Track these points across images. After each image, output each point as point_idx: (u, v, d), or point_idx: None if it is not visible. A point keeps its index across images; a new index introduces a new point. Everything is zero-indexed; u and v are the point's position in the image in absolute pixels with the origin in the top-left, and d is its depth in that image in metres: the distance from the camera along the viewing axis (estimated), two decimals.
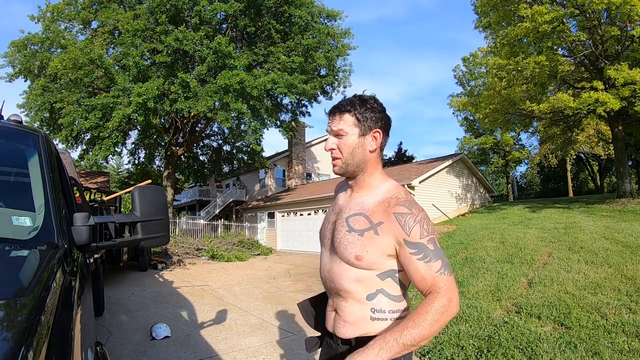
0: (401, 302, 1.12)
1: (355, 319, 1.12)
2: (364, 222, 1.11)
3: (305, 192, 18.06)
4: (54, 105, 13.10)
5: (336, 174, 1.20)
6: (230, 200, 22.54)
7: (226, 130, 17.55)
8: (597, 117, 12.71)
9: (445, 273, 1.03)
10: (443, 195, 14.81)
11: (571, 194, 30.19)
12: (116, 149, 14.28)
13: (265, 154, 19.47)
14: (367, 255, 1.08)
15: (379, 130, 1.14)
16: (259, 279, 8.32)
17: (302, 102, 17.15)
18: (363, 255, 1.08)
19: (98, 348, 1.35)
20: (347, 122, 1.13)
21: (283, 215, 18.11)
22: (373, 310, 1.10)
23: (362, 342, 1.09)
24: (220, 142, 19.48)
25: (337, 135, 1.15)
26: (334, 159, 1.17)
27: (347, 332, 1.13)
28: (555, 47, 12.33)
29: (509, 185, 33.37)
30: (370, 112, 1.13)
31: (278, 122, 15.55)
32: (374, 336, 1.07)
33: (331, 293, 1.20)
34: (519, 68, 12.13)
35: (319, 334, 1.31)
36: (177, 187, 22.39)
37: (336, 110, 1.16)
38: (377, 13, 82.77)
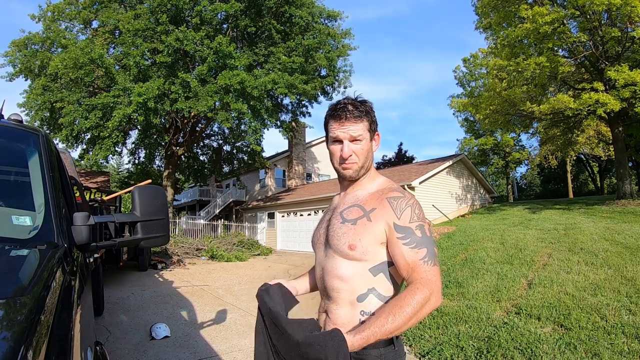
0: None
1: (344, 321, 1.11)
2: (358, 212, 1.13)
3: (305, 193, 18.06)
4: (54, 104, 13.11)
5: (349, 177, 1.20)
6: (230, 200, 22.54)
7: (226, 131, 17.56)
8: (598, 118, 12.71)
9: (429, 262, 1.02)
10: (443, 196, 14.80)
11: (571, 195, 30.18)
12: (116, 148, 14.29)
13: (266, 154, 19.49)
14: (360, 243, 1.08)
15: (378, 133, 1.22)
16: (258, 279, 8.32)
17: (303, 102, 17.16)
18: (356, 243, 1.08)
19: (98, 348, 1.35)
20: (364, 128, 1.16)
21: (283, 216, 18.11)
22: (362, 312, 1.09)
23: None
24: (221, 142, 19.49)
25: (355, 140, 1.15)
26: (350, 163, 1.16)
27: None
28: (555, 48, 12.32)
29: (509, 186, 33.36)
30: (374, 116, 1.19)
31: (278, 123, 15.56)
32: None
33: (323, 294, 1.20)
34: (520, 69, 12.12)
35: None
36: (177, 187, 22.38)
37: (350, 115, 1.14)
38: (379, 12, 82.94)
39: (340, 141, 1.15)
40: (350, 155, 1.15)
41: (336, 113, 1.16)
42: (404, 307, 0.96)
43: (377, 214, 1.09)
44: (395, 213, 1.07)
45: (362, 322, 1.09)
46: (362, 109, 1.16)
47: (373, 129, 1.18)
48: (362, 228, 1.09)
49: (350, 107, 1.15)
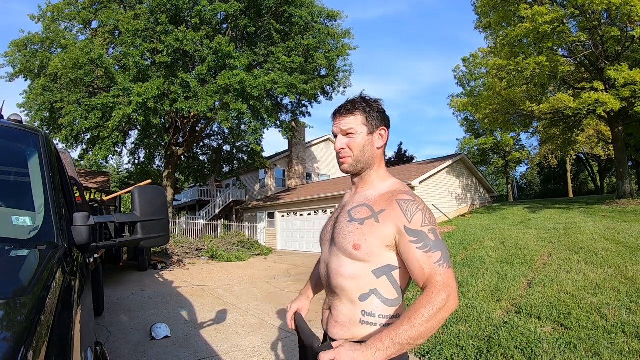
0: (394, 308, 1.09)
1: (345, 319, 1.11)
2: (366, 212, 1.13)
3: (305, 192, 18.07)
4: (54, 105, 13.11)
5: (345, 171, 1.22)
6: (230, 200, 22.54)
7: (226, 130, 17.56)
8: (597, 117, 12.70)
9: (444, 265, 1.01)
10: (443, 195, 14.80)
11: (571, 194, 30.19)
12: (116, 148, 14.29)
13: (265, 154, 19.49)
14: (365, 244, 1.07)
15: (385, 128, 1.20)
16: (258, 279, 8.32)
17: (302, 102, 17.16)
18: (361, 243, 1.08)
19: (98, 348, 1.35)
20: (356, 121, 1.17)
21: (283, 216, 18.11)
22: (363, 312, 1.08)
23: None
24: (220, 142, 19.50)
25: (347, 134, 1.18)
26: (343, 157, 1.19)
27: (337, 332, 1.13)
28: (555, 48, 12.32)
29: (509, 186, 33.36)
30: (376, 111, 1.19)
31: (278, 122, 15.56)
32: (362, 342, 1.07)
33: (327, 290, 1.21)
34: (519, 68, 12.12)
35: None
36: (177, 187, 22.38)
37: (343, 111, 1.19)
38: (379, 11, 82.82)
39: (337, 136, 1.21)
40: (343, 148, 1.18)
41: (334, 111, 1.22)
42: (420, 310, 0.92)
43: (385, 216, 1.08)
44: (406, 216, 1.05)
45: (363, 322, 1.08)
46: (358, 104, 1.18)
47: (373, 123, 1.17)
48: (369, 228, 1.09)
49: (347, 104, 1.20)
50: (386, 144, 1.22)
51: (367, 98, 1.20)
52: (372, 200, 1.15)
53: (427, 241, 1.02)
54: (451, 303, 0.95)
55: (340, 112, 1.19)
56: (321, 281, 1.28)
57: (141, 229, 1.43)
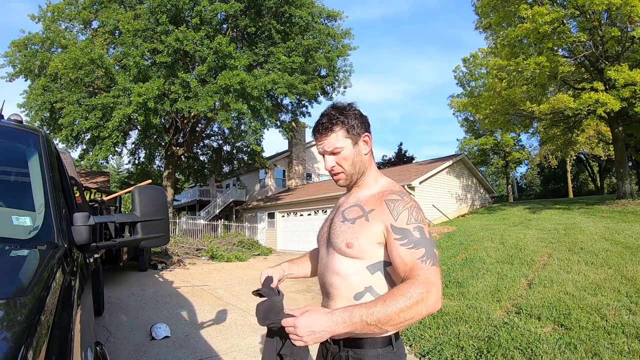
0: None
1: None
2: (357, 211, 1.15)
3: (305, 193, 18.06)
4: (54, 105, 13.12)
5: (342, 186, 1.23)
6: (230, 200, 22.54)
7: (226, 131, 17.57)
8: (598, 118, 12.71)
9: (428, 262, 0.98)
10: (443, 195, 14.80)
11: (571, 194, 30.18)
12: (116, 148, 14.30)
13: (266, 154, 19.49)
14: (357, 242, 1.09)
15: (367, 134, 1.19)
16: (258, 279, 8.30)
17: (303, 102, 17.18)
18: (353, 242, 1.10)
19: (98, 348, 1.35)
20: (338, 138, 1.15)
21: (283, 216, 18.11)
22: None
23: (349, 343, 1.09)
24: (221, 142, 19.51)
25: (333, 153, 1.17)
26: (336, 174, 1.20)
27: None
28: (555, 48, 12.33)
29: (509, 186, 33.36)
30: (353, 119, 1.16)
31: (278, 123, 15.58)
32: (361, 338, 1.07)
33: (322, 291, 1.23)
34: (519, 69, 12.12)
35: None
36: (177, 187, 22.39)
37: (322, 129, 1.16)
38: (379, 11, 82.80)
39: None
40: (333, 166, 1.18)
41: (313, 129, 1.21)
42: (397, 297, 0.90)
43: (375, 215, 1.10)
44: (393, 215, 1.07)
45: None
46: (334, 118, 1.15)
47: (354, 132, 1.16)
48: (360, 227, 1.11)
49: (323, 120, 1.17)
50: (372, 146, 1.22)
51: (341, 107, 1.18)
52: (363, 200, 1.17)
53: (411, 238, 1.03)
54: (431, 300, 0.91)
55: (319, 131, 1.17)
56: (307, 265, 1.39)
57: (141, 229, 1.43)
